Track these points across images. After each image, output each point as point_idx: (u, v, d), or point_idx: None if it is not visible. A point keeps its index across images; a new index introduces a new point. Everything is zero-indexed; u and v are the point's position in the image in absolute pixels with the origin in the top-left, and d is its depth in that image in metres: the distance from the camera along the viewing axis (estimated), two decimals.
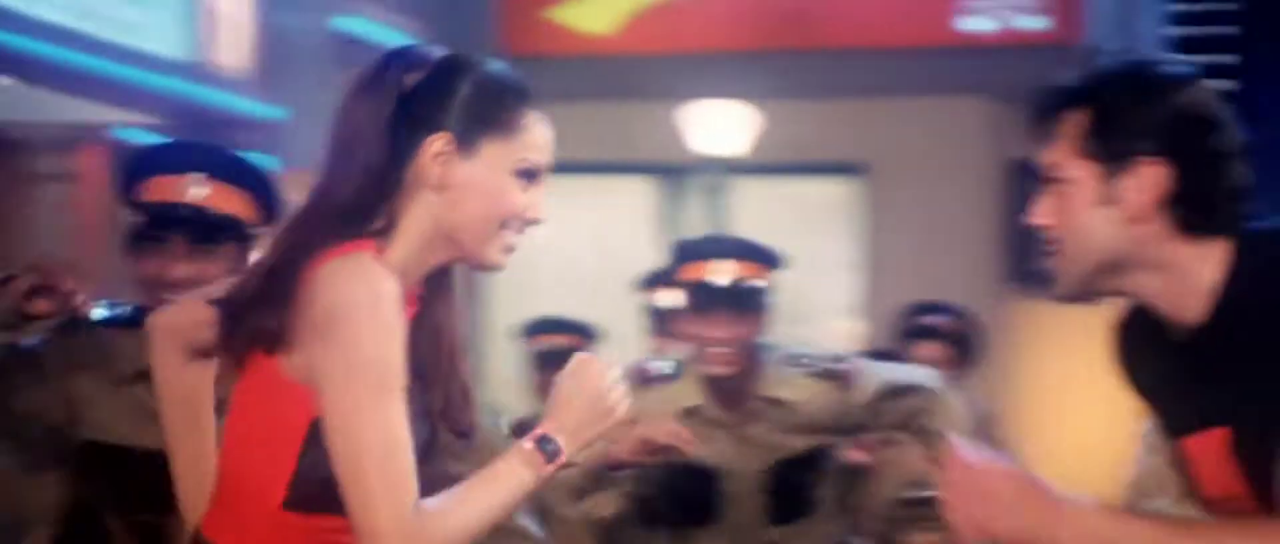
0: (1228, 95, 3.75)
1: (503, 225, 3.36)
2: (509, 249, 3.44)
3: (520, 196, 3.36)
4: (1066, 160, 3.36)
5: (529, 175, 3.38)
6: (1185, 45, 18.43)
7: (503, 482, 3.36)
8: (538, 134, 3.43)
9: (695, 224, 16.51)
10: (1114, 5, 16.07)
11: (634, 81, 16.90)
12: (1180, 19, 19.07)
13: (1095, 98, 3.34)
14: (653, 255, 12.44)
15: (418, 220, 3.31)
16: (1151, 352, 3.49)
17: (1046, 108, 3.43)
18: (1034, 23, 16.55)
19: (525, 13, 16.71)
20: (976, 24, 16.74)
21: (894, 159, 16.77)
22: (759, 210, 16.01)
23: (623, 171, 17.82)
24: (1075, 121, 3.34)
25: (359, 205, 3.28)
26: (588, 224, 16.17)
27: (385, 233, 3.29)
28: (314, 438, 3.25)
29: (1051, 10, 16.13)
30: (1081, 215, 3.34)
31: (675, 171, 17.71)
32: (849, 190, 17.01)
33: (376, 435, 3.21)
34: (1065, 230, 3.39)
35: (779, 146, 16.38)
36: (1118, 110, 3.33)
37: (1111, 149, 3.29)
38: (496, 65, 3.49)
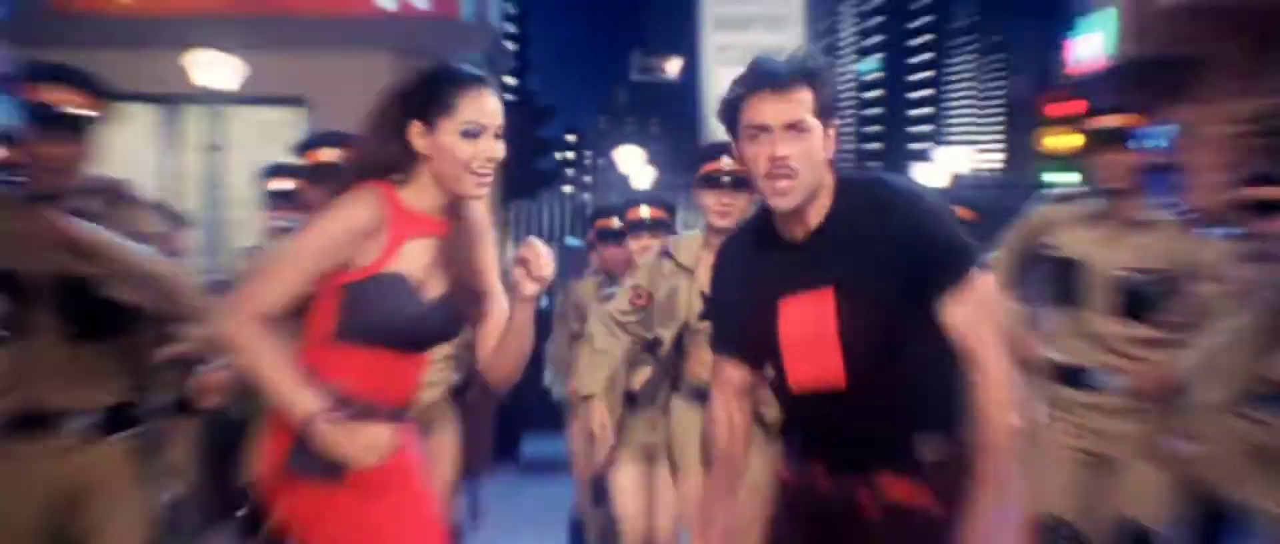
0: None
1: (464, 169, 3.67)
2: (481, 185, 3.72)
3: (468, 149, 3.66)
4: (807, 118, 3.53)
5: (471, 134, 3.68)
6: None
7: (288, 393, 3.58)
8: (472, 106, 3.69)
9: (194, 142, 18.31)
10: None
11: (145, 32, 17.44)
12: None
13: (816, 82, 3.55)
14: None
15: (421, 173, 3.70)
16: (766, 250, 3.70)
17: (784, 85, 3.54)
18: (422, 2, 17.92)
19: None
20: (385, 2, 18.07)
21: (327, 96, 16.56)
22: (240, 130, 17.56)
23: (136, 100, 17.67)
24: (807, 95, 3.52)
25: (375, 166, 3.68)
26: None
27: (402, 182, 3.71)
28: (347, 295, 3.66)
29: None
30: (817, 154, 3.55)
31: (180, 100, 18.11)
32: (297, 116, 17.18)
33: (276, 267, 3.67)
34: (804, 163, 3.55)
35: (252, 83, 17.21)
36: (827, 92, 3.59)
37: (826, 116, 3.55)
38: (451, 68, 3.79)
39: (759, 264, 3.76)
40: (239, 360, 3.73)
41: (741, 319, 3.81)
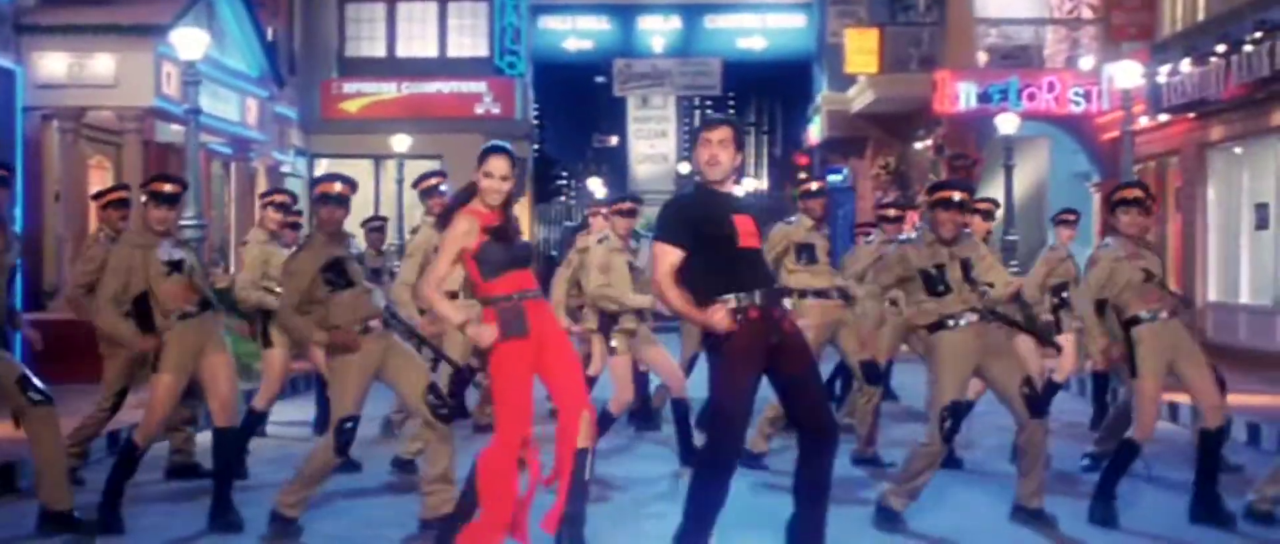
0: None
1: (484, 188, 4.92)
2: (497, 198, 4.93)
3: (486, 181, 4.90)
4: (728, 141, 4.78)
5: (489, 175, 4.92)
6: None
7: (455, 316, 5.03)
8: (489, 163, 4.93)
9: (393, 177, 21.50)
10: None
11: (366, 126, 21.96)
12: None
13: (734, 127, 4.88)
14: None
15: (480, 194, 4.93)
16: (713, 200, 4.85)
17: (717, 121, 4.92)
18: (497, 110, 24.10)
19: None
20: (479, 109, 23.19)
21: (451, 155, 19.20)
22: (411, 173, 18.34)
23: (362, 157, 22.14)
24: (728, 131, 4.85)
25: (465, 194, 4.97)
26: None
27: (471, 202, 4.86)
28: (476, 257, 4.87)
29: None
30: (730, 158, 4.83)
31: (383, 157, 22.16)
32: (437, 165, 16.00)
33: (442, 256, 4.92)
34: (725, 160, 4.81)
35: (415, 147, 21.17)
36: (738, 133, 4.84)
37: (738, 146, 4.83)
38: (493, 144, 4.97)
39: (716, 203, 4.90)
40: (434, 308, 5.08)
41: (705, 225, 4.83)
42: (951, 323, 6.17)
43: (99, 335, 6.89)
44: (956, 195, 6.29)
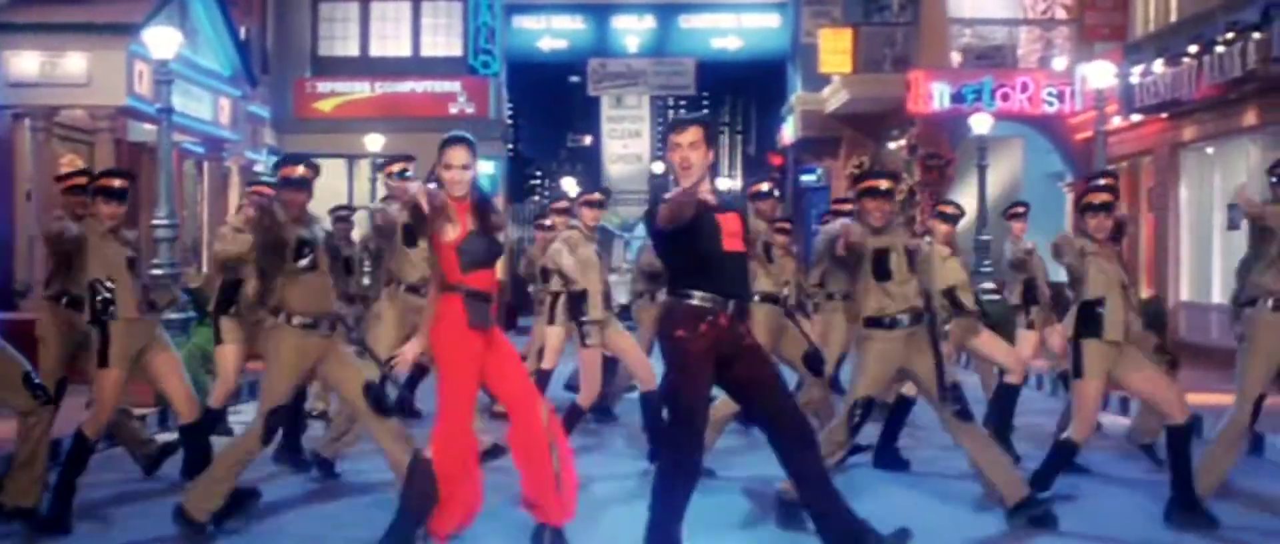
0: None
1: (447, 180, 4.91)
2: (457, 188, 4.90)
3: (446, 173, 4.88)
4: (698, 142, 4.68)
5: (448, 166, 4.90)
6: None
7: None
8: (447, 154, 4.93)
9: (367, 176, 21.47)
10: None
11: (341, 125, 22.03)
12: None
13: (704, 125, 4.78)
14: None
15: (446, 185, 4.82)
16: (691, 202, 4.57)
17: (687, 122, 4.78)
18: (471, 110, 24.10)
19: None
20: (454, 109, 23.10)
21: (424, 154, 14.12)
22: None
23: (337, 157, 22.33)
24: (698, 132, 4.74)
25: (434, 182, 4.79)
26: None
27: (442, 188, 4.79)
28: (458, 248, 4.84)
29: None
30: (702, 159, 4.71)
31: (356, 157, 22.13)
32: (411, 165, 14.51)
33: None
34: (697, 161, 4.73)
35: (388, 147, 20.25)
36: (709, 132, 4.77)
37: (708, 144, 4.73)
38: (451, 135, 4.94)
39: (698, 204, 4.79)
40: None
41: (699, 221, 4.75)
42: (889, 322, 6.18)
43: (37, 324, 6.94)
44: (883, 184, 6.32)
